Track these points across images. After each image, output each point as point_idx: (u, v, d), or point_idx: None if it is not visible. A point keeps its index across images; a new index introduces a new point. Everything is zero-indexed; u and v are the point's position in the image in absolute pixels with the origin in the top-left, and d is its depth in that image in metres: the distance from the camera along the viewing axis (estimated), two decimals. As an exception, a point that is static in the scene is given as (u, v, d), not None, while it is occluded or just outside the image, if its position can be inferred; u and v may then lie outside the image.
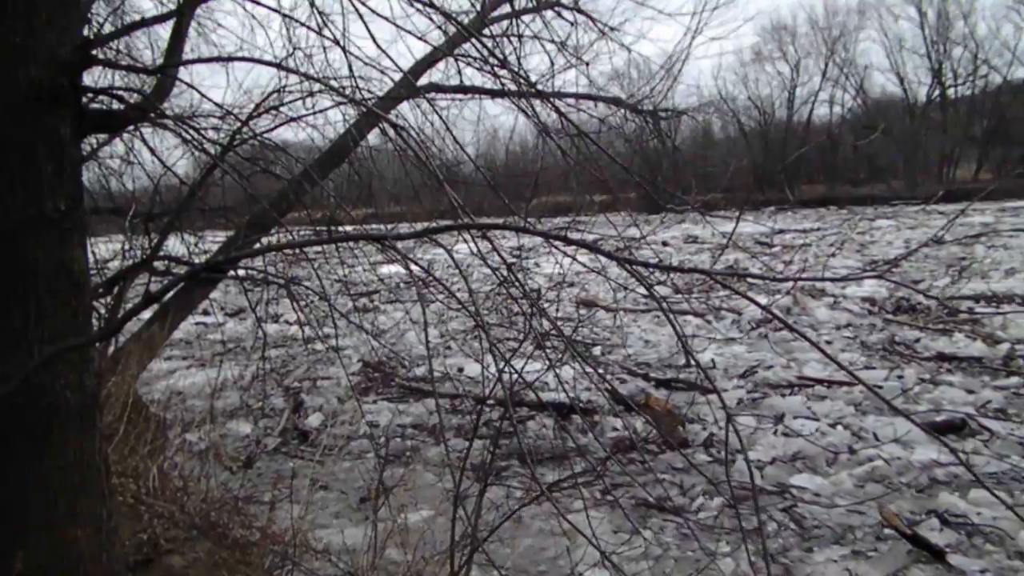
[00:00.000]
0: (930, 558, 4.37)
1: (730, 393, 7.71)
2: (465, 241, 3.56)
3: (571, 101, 7.25)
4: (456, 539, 3.15)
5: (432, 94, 6.66)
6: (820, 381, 7.84)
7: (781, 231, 22.64)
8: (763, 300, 11.37)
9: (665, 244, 21.57)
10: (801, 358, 8.68)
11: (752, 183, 57.28)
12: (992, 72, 53.91)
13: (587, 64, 6.94)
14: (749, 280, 12.80)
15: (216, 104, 5.39)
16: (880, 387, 7.40)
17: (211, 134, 5.33)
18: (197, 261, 5.90)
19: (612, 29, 6.81)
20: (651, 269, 2.86)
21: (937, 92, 54.98)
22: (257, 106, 5.69)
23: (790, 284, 12.41)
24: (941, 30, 53.32)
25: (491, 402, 7.93)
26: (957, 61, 55.04)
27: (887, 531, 4.70)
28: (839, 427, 6.53)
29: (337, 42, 4.21)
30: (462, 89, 7.02)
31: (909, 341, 9.05)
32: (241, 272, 5.61)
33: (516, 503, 4.08)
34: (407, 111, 6.21)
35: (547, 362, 3.04)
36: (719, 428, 6.73)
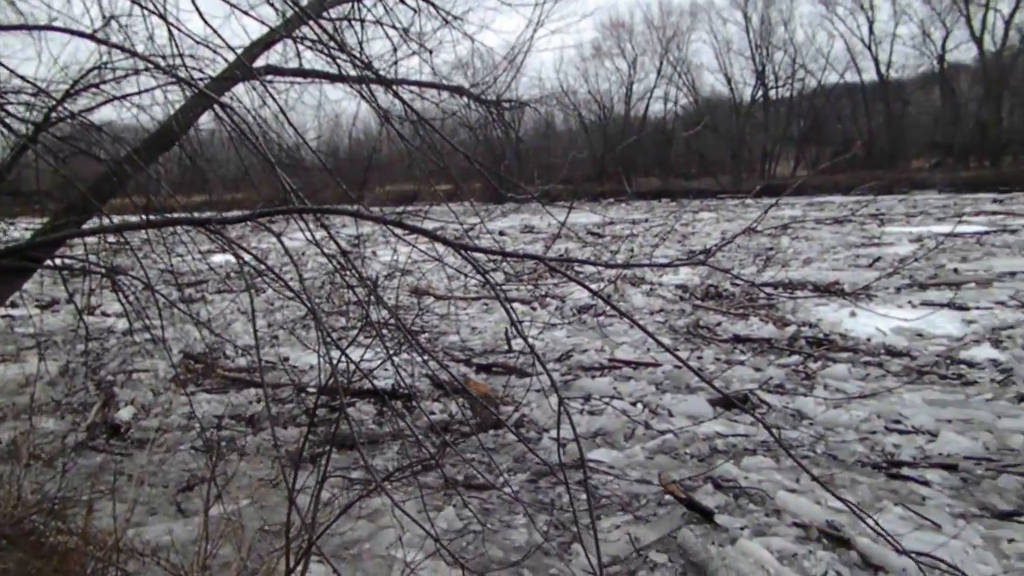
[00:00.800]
0: (701, 519, 4.84)
1: (544, 376, 8.08)
2: (300, 229, 3.59)
3: (414, 89, 7.32)
4: (291, 535, 3.11)
5: (269, 77, 6.57)
6: (628, 363, 8.36)
7: (612, 222, 23.68)
8: (591, 287, 11.93)
9: (502, 233, 22.04)
10: (615, 341, 9.21)
11: (592, 175, 59.21)
12: (808, 76, 58.18)
13: (430, 52, 7.02)
14: (578, 267, 13.35)
15: (27, 80, 5.10)
16: (680, 367, 8.01)
17: (22, 112, 5.07)
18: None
19: (455, 18, 6.92)
20: (487, 256, 3.03)
21: (760, 93, 58.78)
22: (75, 83, 5.44)
23: (615, 271, 13.06)
24: (764, 35, 57.07)
25: (312, 389, 7.97)
26: (778, 64, 59.06)
27: (667, 497, 5.14)
28: (639, 405, 7.02)
29: (161, 16, 4.10)
30: (301, 72, 6.94)
31: (712, 325, 9.79)
32: (58, 261, 5.37)
33: (355, 493, 4.18)
34: (243, 94, 6.10)
35: (381, 350, 3.02)
36: (531, 409, 7.07)
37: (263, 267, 3.14)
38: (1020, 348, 7.83)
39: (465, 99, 8.10)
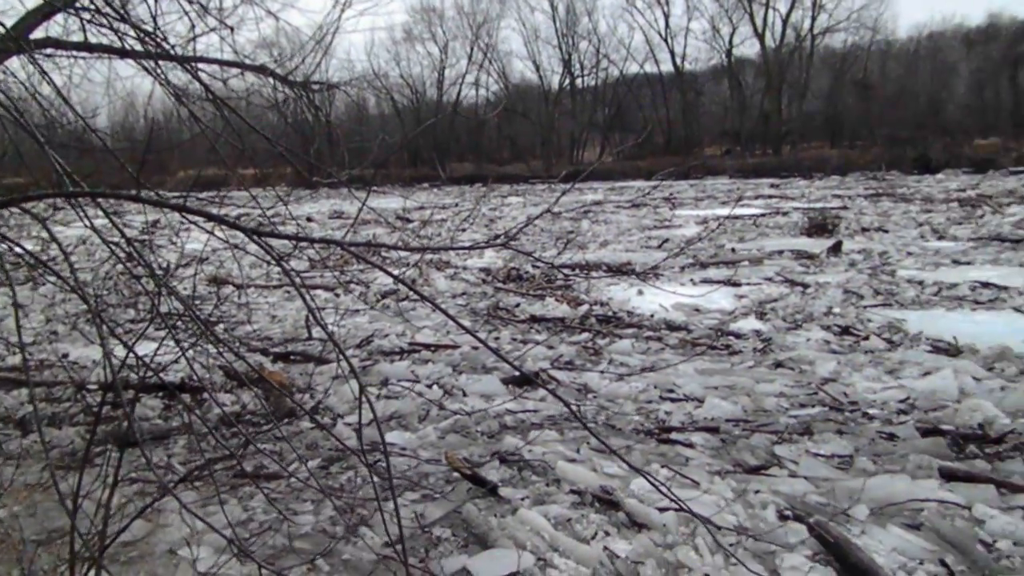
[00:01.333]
0: (486, 493, 5.02)
1: (344, 363, 8.04)
2: (80, 216, 3.30)
3: (215, 68, 6.94)
4: (76, 546, 2.87)
5: (49, 50, 6.02)
6: (428, 346, 8.48)
7: (422, 207, 23.76)
8: (395, 272, 11.95)
9: (310, 219, 21.54)
10: (417, 326, 9.30)
11: (405, 159, 58.91)
12: (612, 65, 60.73)
13: (231, 29, 6.68)
14: (384, 252, 13.29)
15: None
16: (477, 348, 8.22)
17: None
18: None
19: (256, -7, 6.65)
20: (291, 242, 2.93)
21: (568, 81, 60.74)
22: None
23: (420, 256, 13.13)
24: (570, 24, 58.97)
25: (93, 386, 7.48)
26: (584, 54, 61.28)
27: (455, 475, 5.29)
28: (435, 387, 7.15)
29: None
30: (86, 47, 6.40)
31: (511, 307, 10.10)
32: None
33: (148, 497, 3.94)
34: (18, 68, 5.55)
35: (172, 343, 2.84)
36: (329, 395, 7.01)
37: (34, 259, 2.90)
38: (780, 319, 8.66)
39: (271, 80, 7.84)
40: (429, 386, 7.17)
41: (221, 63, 7.35)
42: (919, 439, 5.42)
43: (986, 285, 9.65)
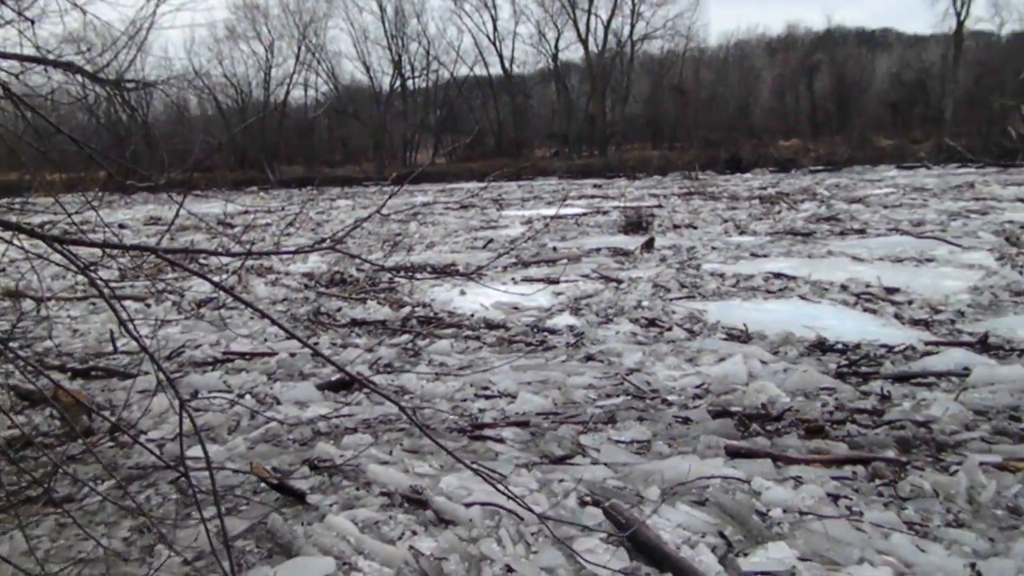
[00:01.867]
0: (293, 501, 4.94)
1: (151, 376, 7.65)
2: None
3: (13, 63, 6.35)
4: None
5: None
6: (243, 354, 8.22)
7: (247, 211, 22.97)
8: (215, 279, 11.47)
9: (122, 226, 20.28)
10: (231, 335, 8.98)
11: (232, 162, 56.59)
12: (442, 68, 60.91)
13: (32, 22, 6.15)
14: (201, 259, 12.72)
15: None
16: (295, 354, 8.06)
17: None
18: None
19: (58, -17, 6.11)
20: (96, 250, 2.70)
21: (398, 82, 60.39)
22: None
23: (242, 262, 12.68)
24: (399, 25, 58.67)
25: None
26: (414, 55, 61.10)
27: (262, 484, 5.17)
28: (248, 396, 6.95)
29: None
30: None
31: (332, 311, 9.97)
32: None
33: None
34: None
35: None
36: (130, 411, 6.65)
37: None
38: (594, 315, 9.03)
39: (80, 77, 7.30)
40: (241, 396, 6.96)
41: (21, 58, 6.81)
42: (710, 421, 5.81)
43: (777, 276, 10.49)
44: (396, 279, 11.60)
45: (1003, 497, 4.46)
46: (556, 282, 10.89)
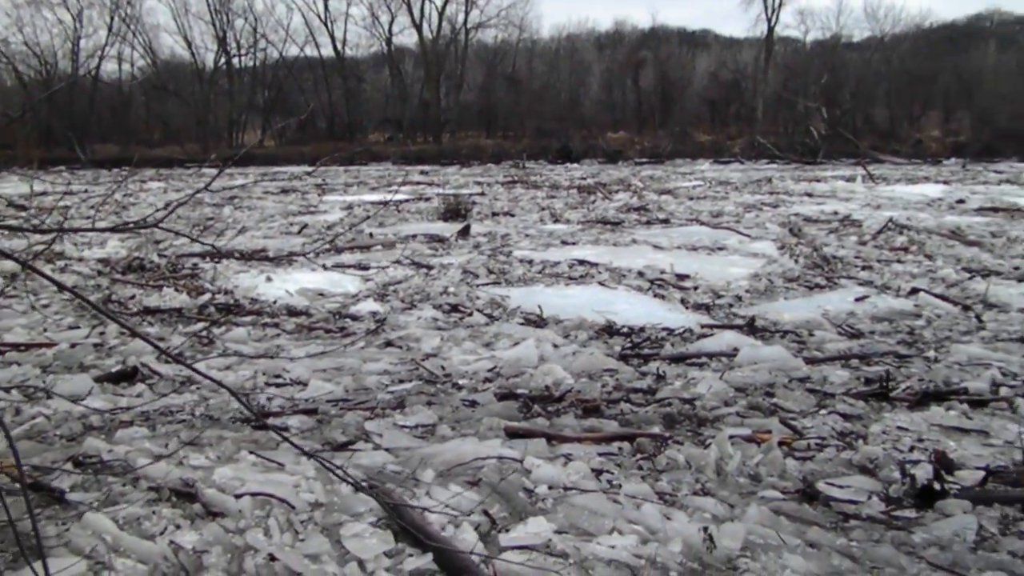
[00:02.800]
0: (51, 500, 4.66)
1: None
2: None
3: None
4: None
5: None
6: (16, 345, 7.64)
7: (44, 192, 21.29)
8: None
9: None
10: (6, 324, 8.33)
11: (35, 139, 52.21)
12: (270, 46, 58.77)
13: None
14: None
15: None
16: (75, 345, 7.58)
17: None
18: None
19: None
20: None
21: (223, 60, 57.71)
22: None
23: (36, 243, 11.74)
24: (223, 0, 55.97)
25: None
26: (240, 32, 58.57)
27: (17, 485, 4.85)
28: (15, 391, 6.47)
29: None
30: None
31: (125, 298, 9.44)
32: None
33: None
34: None
35: None
36: None
37: None
38: (399, 301, 9.05)
39: None
40: (8, 390, 6.46)
41: None
42: (495, 404, 5.98)
43: (581, 263, 10.91)
44: (199, 265, 11.12)
45: (746, 467, 4.86)
46: (366, 268, 10.82)
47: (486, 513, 4.30)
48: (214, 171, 29.01)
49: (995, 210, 15.71)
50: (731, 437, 5.27)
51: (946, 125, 53.17)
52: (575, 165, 36.16)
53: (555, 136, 50.46)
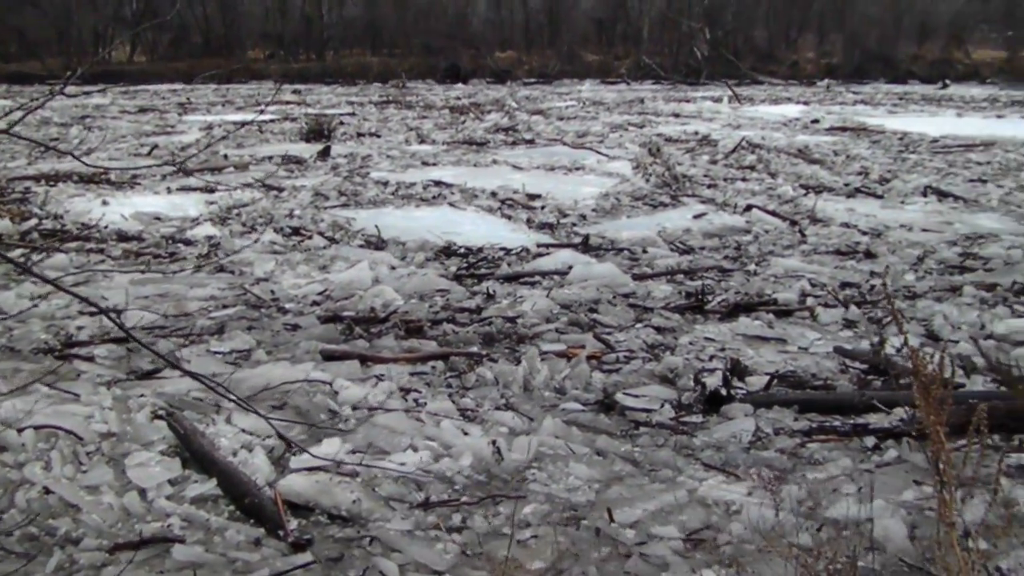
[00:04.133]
0: None
1: None
2: None
3: None
4: None
5: None
6: None
7: None
8: None
9: None
10: None
11: None
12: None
13: None
14: None
15: None
16: None
17: None
18: None
19: None
20: None
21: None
22: None
23: None
24: (79, -100, 51.48)
25: None
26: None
27: None
28: None
29: None
30: None
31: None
32: None
33: None
34: None
35: None
36: None
37: None
38: (240, 224, 8.76)
39: None
40: None
41: None
42: (317, 327, 5.90)
43: (437, 183, 10.80)
44: (32, 190, 10.45)
45: (554, 381, 4.97)
46: (212, 191, 10.40)
47: (281, 436, 4.26)
48: (77, 87, 27.28)
49: (844, 129, 16.38)
50: (544, 353, 5.38)
51: (821, 47, 54.64)
52: (462, 85, 35.50)
53: (443, 55, 49.26)
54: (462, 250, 7.75)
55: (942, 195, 9.84)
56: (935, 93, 27.26)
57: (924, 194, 9.91)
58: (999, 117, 19.13)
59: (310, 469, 3.94)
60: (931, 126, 16.57)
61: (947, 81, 32.38)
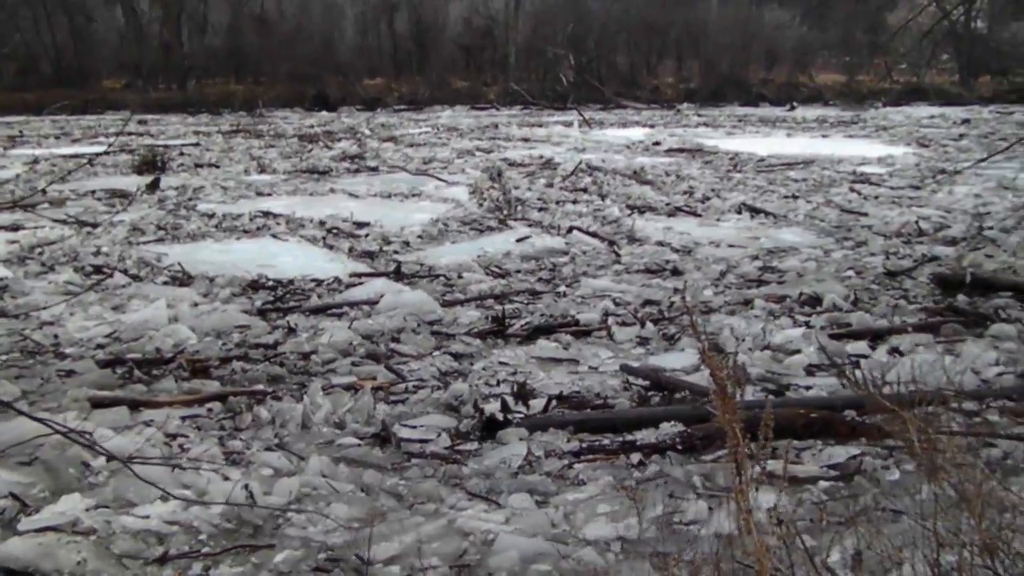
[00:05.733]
0: None
1: None
2: None
3: None
4: None
5: None
6: None
7: None
8: None
9: None
10: None
11: None
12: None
13: None
14: None
15: None
16: None
17: None
18: None
19: None
20: None
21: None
22: None
23: None
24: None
25: None
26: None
27: None
28: None
29: None
30: None
31: None
32: None
33: None
34: None
35: None
36: None
37: None
38: (38, 264, 8.24)
39: None
40: None
41: None
42: (95, 372, 5.56)
43: (265, 214, 10.50)
44: None
45: (335, 416, 4.83)
46: (17, 229, 9.77)
47: (14, 496, 3.95)
48: None
49: (682, 151, 17.01)
50: (333, 386, 5.25)
51: (679, 72, 56.98)
52: (328, 113, 35.02)
53: (310, 82, 48.47)
54: (271, 283, 7.52)
55: (755, 211, 10.30)
56: (772, 115, 28.77)
57: (739, 211, 10.34)
58: (824, 136, 20.34)
59: (40, 530, 3.67)
60: (762, 146, 17.42)
61: (794, 103, 34.23)
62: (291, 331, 6.33)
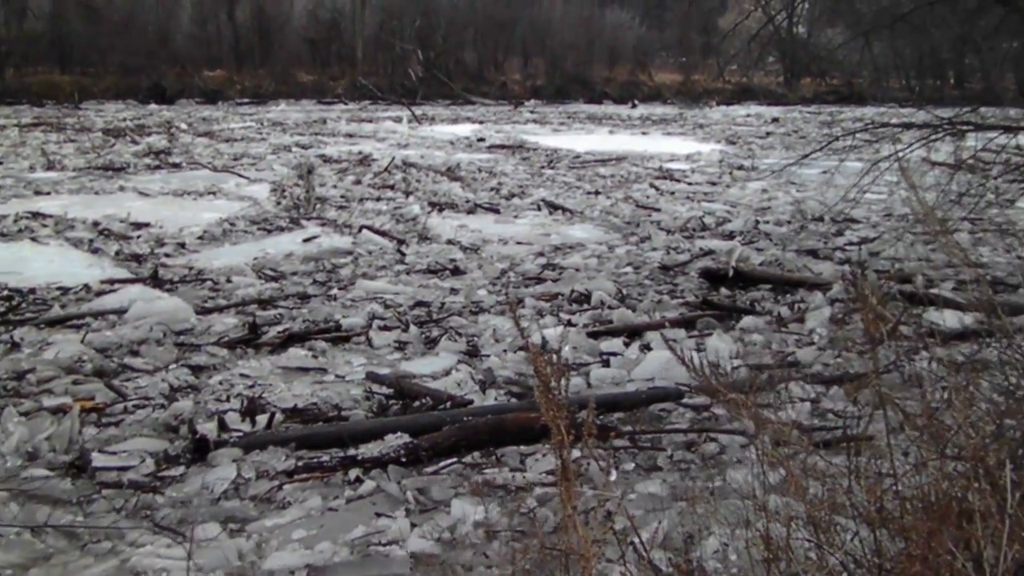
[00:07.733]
0: None
1: None
2: None
3: None
4: None
5: None
6: None
7: None
8: None
9: None
10: None
11: None
12: None
13: None
14: None
15: None
16: None
17: None
18: None
19: None
20: None
21: None
22: None
23: None
24: None
25: None
26: None
27: None
28: None
29: None
30: None
31: None
32: None
33: None
34: None
35: None
36: None
37: None
38: None
39: None
40: None
41: None
42: None
43: (35, 215, 9.60)
44: None
45: (30, 444, 4.32)
46: None
47: None
48: None
49: (504, 147, 17.00)
50: (39, 410, 4.72)
51: (525, 70, 57.51)
52: (165, 106, 33.06)
53: (145, 74, 45.68)
54: (6, 292, 6.80)
55: (553, 208, 10.30)
56: (605, 112, 29.41)
57: (538, 208, 10.32)
58: (643, 134, 20.90)
59: None
60: (582, 143, 17.65)
61: (636, 101, 35.18)
62: (14, 346, 5.71)
